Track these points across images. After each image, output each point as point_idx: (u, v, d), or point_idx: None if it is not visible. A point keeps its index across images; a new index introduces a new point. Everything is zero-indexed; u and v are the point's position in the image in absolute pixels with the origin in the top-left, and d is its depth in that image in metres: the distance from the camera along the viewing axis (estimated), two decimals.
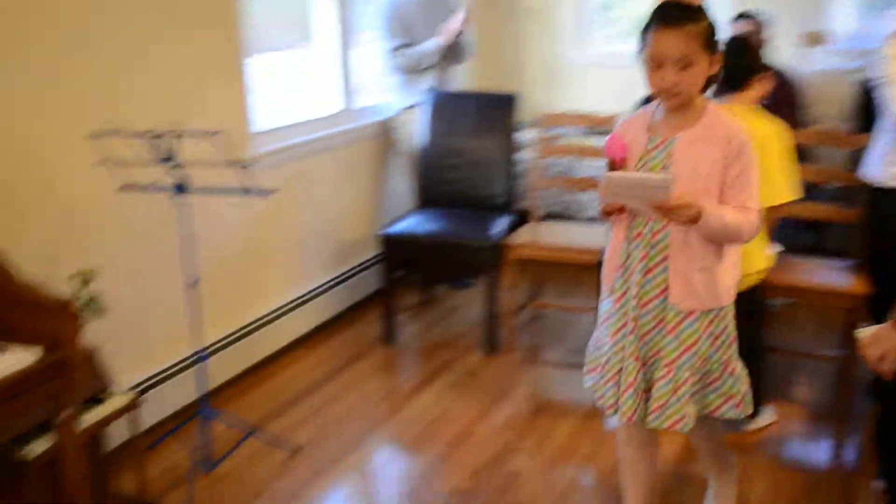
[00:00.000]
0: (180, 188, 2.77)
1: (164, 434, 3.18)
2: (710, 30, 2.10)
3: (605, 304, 2.33)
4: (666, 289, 2.19)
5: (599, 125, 4.14)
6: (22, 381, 2.05)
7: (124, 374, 3.04)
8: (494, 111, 4.41)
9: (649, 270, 2.20)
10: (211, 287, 3.47)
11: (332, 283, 4.33)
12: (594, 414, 3.34)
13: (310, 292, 4.16)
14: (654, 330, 2.23)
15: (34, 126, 2.74)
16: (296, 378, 3.76)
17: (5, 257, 2.21)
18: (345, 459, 3.10)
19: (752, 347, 3.15)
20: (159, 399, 3.26)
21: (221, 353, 3.59)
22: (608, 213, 2.24)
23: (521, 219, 4.23)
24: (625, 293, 2.24)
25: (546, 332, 4.25)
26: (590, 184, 4.15)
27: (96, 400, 2.67)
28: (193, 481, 2.92)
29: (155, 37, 3.15)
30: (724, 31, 4.54)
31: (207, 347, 3.42)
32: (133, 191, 2.81)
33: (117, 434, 2.91)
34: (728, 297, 2.25)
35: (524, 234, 4.00)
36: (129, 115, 2.94)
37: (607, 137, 2.14)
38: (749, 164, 2.14)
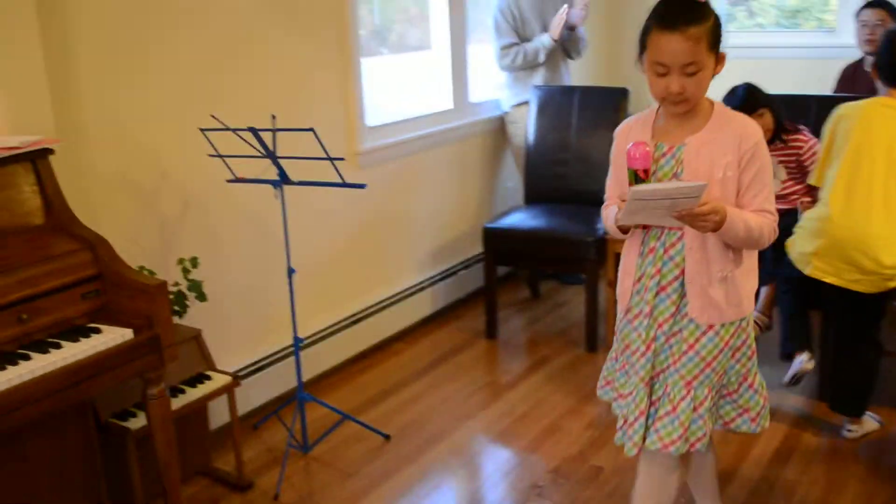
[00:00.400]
0: (281, 181, 2.90)
1: (263, 417, 3.34)
2: (716, 27, 1.95)
3: (622, 324, 2.21)
4: (679, 306, 2.07)
5: None
6: (115, 358, 2.22)
7: (231, 357, 3.23)
8: (604, 106, 4.36)
9: (662, 289, 2.08)
10: (319, 278, 3.62)
11: (438, 277, 4.41)
12: None
13: (415, 285, 4.25)
14: (665, 345, 2.11)
15: (153, 121, 2.94)
16: (396, 368, 3.85)
17: (108, 244, 2.39)
18: (435, 447, 3.17)
19: (873, 348, 3.01)
20: (263, 383, 3.42)
21: (326, 340, 3.73)
22: (625, 231, 2.13)
23: None
24: (639, 313, 2.13)
25: None
26: None
27: (199, 379, 2.85)
28: (288, 462, 3.05)
29: (270, 37, 3.32)
30: (853, 23, 4.38)
31: (311, 336, 3.58)
32: (238, 182, 2.96)
33: (220, 415, 3.10)
34: (749, 307, 2.11)
35: None
36: (242, 109, 3.09)
37: (629, 146, 1.96)
38: (764, 165, 2.00)
